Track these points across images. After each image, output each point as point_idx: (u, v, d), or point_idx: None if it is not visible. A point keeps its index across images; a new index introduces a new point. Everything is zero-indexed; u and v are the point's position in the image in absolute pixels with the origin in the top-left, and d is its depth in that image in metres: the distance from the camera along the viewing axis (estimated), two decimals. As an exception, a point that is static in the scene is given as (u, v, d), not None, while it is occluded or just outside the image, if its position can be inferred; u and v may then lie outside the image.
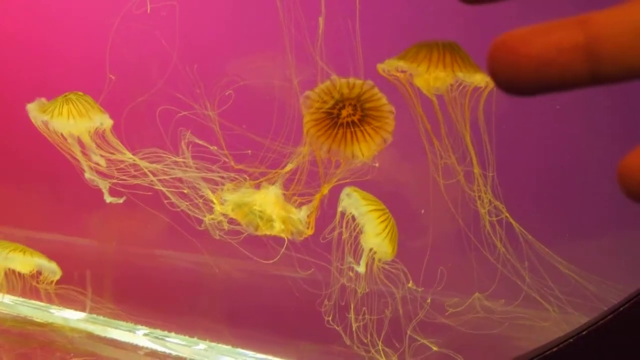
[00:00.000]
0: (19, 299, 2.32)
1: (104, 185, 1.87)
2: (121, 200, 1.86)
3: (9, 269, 2.13)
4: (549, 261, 1.48)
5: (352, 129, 1.52)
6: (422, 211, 1.62)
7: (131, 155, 1.85)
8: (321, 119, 1.54)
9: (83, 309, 2.24)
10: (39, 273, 2.13)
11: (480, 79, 1.45)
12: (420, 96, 1.54)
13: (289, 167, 1.62)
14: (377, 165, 1.54)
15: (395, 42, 1.68)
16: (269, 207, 1.61)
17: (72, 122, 1.84)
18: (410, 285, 1.54)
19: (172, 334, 2.19)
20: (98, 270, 2.19)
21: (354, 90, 1.52)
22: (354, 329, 1.59)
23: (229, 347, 2.11)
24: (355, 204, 1.52)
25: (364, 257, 1.52)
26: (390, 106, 1.53)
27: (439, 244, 1.60)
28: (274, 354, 2.03)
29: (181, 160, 1.79)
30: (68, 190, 2.20)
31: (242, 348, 2.08)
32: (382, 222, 1.50)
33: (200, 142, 1.74)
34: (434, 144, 1.54)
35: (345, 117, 1.52)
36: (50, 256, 2.12)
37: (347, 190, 1.55)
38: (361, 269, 1.53)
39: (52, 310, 2.32)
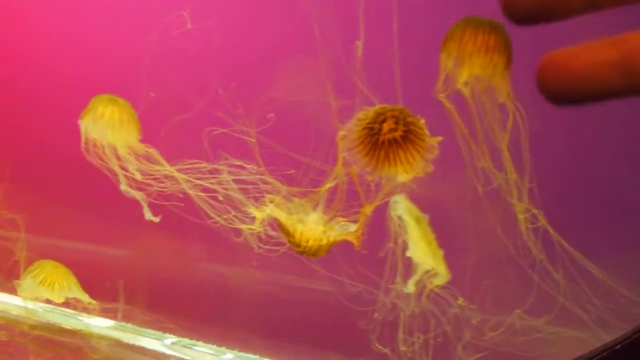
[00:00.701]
0: (49, 306, 2.36)
1: (141, 198, 1.91)
2: (158, 219, 1.89)
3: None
4: (586, 269, 1.52)
5: (395, 149, 1.52)
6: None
7: (169, 167, 1.89)
8: (362, 138, 1.55)
9: (113, 317, 2.28)
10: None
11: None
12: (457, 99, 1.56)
13: (327, 185, 1.65)
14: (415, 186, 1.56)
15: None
16: (311, 239, 1.63)
17: (111, 127, 1.85)
18: (460, 302, 1.58)
19: (200, 343, 2.23)
20: (130, 280, 2.24)
21: (396, 108, 1.53)
22: (400, 348, 1.63)
23: (257, 357, 2.15)
24: (411, 210, 1.53)
25: (416, 277, 1.55)
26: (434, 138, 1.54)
27: (480, 257, 1.64)
28: (302, 364, 2.08)
29: (219, 169, 1.83)
30: (102, 200, 2.24)
31: (270, 358, 2.13)
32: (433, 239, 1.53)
33: (238, 162, 1.78)
34: (471, 147, 1.56)
35: (387, 132, 1.52)
36: (83, 265, 2.17)
37: (398, 197, 1.56)
38: (410, 288, 1.57)
39: (81, 318, 2.36)
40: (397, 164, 1.52)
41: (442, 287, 1.56)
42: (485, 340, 1.57)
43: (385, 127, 1.52)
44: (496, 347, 1.56)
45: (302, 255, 1.66)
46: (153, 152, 1.92)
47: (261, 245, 1.76)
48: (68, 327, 2.38)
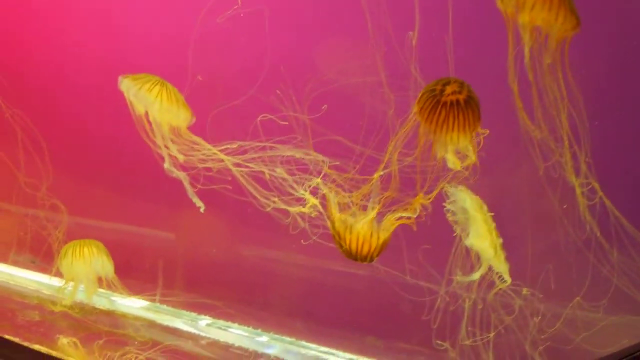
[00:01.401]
0: (83, 286, 2.37)
1: (184, 178, 1.89)
2: (202, 206, 1.88)
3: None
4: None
5: (455, 112, 1.50)
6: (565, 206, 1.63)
7: (215, 150, 1.88)
8: (422, 102, 1.53)
9: (151, 299, 2.30)
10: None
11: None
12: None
13: (378, 174, 1.65)
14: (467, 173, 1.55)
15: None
16: (365, 244, 1.64)
17: (158, 104, 1.83)
18: (524, 291, 1.59)
19: (235, 325, 2.25)
20: (169, 261, 2.25)
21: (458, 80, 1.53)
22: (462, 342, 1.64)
23: (292, 339, 2.18)
24: (470, 200, 1.54)
25: (481, 269, 1.55)
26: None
27: (538, 243, 1.64)
28: (338, 347, 2.10)
29: (264, 152, 1.83)
30: (145, 183, 2.25)
31: (306, 341, 2.15)
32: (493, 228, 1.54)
33: (287, 148, 1.78)
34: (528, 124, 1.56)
35: (450, 94, 1.51)
36: (121, 246, 2.18)
37: (455, 187, 1.55)
38: (473, 277, 1.57)
39: (115, 298, 2.38)
40: (455, 129, 1.51)
41: (503, 277, 1.56)
42: (549, 331, 1.58)
43: (449, 89, 1.51)
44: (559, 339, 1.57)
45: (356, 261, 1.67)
46: (198, 136, 1.91)
47: (307, 229, 1.77)
48: (102, 307, 2.39)
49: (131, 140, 1.94)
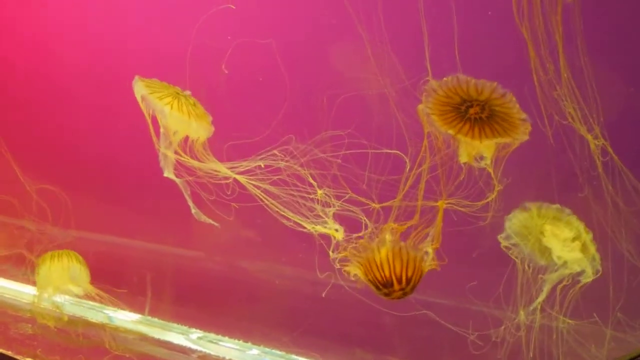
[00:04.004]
0: (74, 299, 2.37)
1: (183, 187, 1.84)
2: (201, 214, 1.85)
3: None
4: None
5: (480, 125, 1.50)
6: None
7: (225, 170, 1.83)
8: (446, 111, 1.52)
9: (140, 311, 2.28)
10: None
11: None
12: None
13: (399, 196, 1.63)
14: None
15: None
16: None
17: (167, 112, 1.76)
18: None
19: (226, 338, 2.24)
20: (158, 274, 2.24)
21: (482, 94, 1.51)
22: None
23: (282, 353, 2.16)
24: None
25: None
26: (522, 113, 1.51)
27: None
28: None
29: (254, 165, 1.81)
30: (137, 196, 2.24)
31: (296, 355, 2.13)
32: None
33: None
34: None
35: (473, 114, 1.51)
36: (111, 259, 2.18)
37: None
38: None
39: (107, 312, 2.37)
40: (482, 137, 1.51)
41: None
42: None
43: (472, 111, 1.52)
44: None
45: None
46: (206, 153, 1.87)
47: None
48: (94, 320, 2.38)
49: (121, 150, 1.94)
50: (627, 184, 1.57)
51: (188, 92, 1.82)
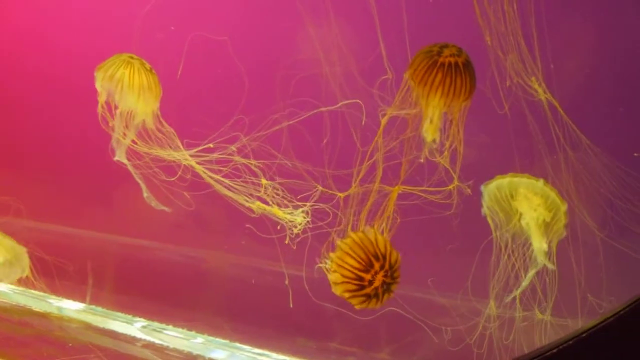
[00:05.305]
0: (17, 288, 2.34)
1: (136, 175, 1.80)
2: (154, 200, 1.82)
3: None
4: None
5: (453, 75, 1.47)
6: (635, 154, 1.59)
7: (181, 152, 1.78)
8: (419, 61, 1.50)
9: (82, 300, 2.25)
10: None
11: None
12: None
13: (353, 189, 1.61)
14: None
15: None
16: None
17: (125, 83, 1.74)
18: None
19: (170, 327, 2.21)
20: (99, 262, 2.21)
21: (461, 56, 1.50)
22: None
23: (226, 342, 2.14)
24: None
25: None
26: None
27: None
28: (271, 348, 2.06)
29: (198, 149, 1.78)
30: (77, 183, 2.21)
31: (240, 342, 2.11)
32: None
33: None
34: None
35: (448, 55, 1.48)
36: (52, 247, 2.14)
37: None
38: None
39: (50, 300, 2.33)
40: (449, 94, 1.48)
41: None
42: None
43: (447, 51, 1.49)
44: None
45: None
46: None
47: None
48: (38, 309, 2.35)
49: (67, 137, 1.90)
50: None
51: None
